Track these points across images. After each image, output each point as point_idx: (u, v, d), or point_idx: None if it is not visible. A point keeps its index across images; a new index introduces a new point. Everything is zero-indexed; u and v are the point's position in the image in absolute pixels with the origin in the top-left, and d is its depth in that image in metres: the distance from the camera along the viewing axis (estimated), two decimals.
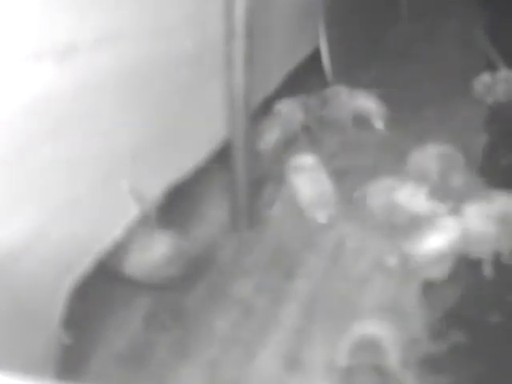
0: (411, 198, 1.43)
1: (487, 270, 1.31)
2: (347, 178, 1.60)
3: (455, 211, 1.38)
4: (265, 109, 1.67)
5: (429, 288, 1.30)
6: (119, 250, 1.17)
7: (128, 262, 1.21)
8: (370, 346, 1.09)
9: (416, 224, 1.38)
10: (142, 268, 1.22)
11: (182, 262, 1.25)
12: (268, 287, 1.30)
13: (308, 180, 1.53)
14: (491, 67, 2.11)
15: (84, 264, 1.05)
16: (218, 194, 1.50)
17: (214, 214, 1.48)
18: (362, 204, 1.48)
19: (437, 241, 1.32)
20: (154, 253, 1.22)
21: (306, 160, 1.57)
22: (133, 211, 1.18)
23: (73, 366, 1.06)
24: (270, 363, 1.14)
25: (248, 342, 1.18)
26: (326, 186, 1.52)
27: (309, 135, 1.75)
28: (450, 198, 1.43)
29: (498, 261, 1.33)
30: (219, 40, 1.33)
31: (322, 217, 1.48)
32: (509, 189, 1.45)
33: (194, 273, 1.27)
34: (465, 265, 1.33)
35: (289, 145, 1.70)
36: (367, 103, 1.83)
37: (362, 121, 1.82)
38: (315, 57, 1.93)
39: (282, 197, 1.55)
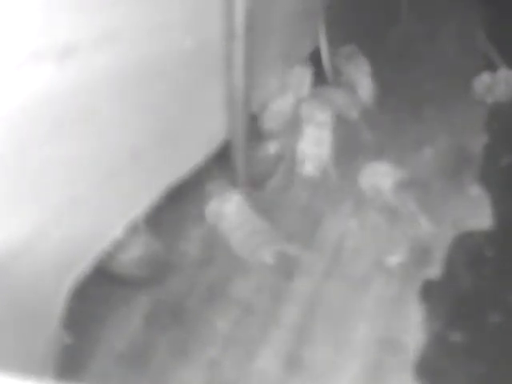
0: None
1: None
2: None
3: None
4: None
5: (429, 288, 1.30)
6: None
7: (112, 261, 1.23)
8: None
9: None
10: (121, 267, 1.24)
11: (152, 265, 1.28)
12: (268, 287, 1.30)
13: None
14: (491, 67, 2.11)
15: (84, 264, 1.05)
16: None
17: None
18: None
19: None
20: (131, 254, 1.25)
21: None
22: (132, 211, 1.18)
23: (73, 366, 1.06)
24: (270, 363, 1.14)
25: (248, 342, 1.18)
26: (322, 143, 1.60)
27: None
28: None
29: (498, 261, 1.34)
30: (219, 40, 1.33)
31: (314, 170, 1.56)
32: (509, 189, 1.46)
33: (163, 275, 1.28)
34: (464, 265, 1.33)
35: None
36: None
37: None
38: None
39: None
